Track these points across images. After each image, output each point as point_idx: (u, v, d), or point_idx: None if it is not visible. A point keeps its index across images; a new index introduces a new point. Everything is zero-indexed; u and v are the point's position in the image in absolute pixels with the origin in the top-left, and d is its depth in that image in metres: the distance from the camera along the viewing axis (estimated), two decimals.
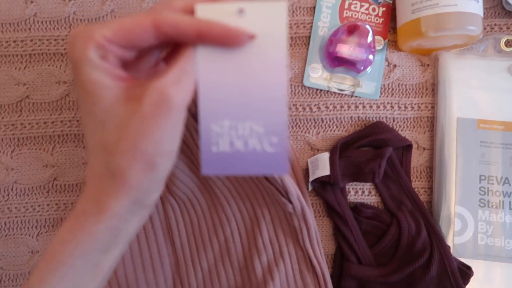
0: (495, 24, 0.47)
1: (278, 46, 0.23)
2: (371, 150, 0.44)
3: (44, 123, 0.45)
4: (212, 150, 0.25)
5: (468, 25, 0.42)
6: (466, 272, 0.41)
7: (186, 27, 0.23)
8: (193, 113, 0.36)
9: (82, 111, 0.25)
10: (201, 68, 0.24)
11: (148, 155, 0.23)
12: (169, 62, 0.26)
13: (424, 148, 0.46)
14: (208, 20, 0.23)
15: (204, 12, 0.23)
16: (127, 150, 0.23)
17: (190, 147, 0.39)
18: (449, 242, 0.43)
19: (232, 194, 0.42)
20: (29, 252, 0.44)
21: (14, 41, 0.45)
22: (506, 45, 0.46)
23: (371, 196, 0.45)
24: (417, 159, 0.46)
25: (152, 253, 0.42)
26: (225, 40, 0.23)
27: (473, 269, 0.42)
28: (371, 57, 0.45)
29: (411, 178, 0.46)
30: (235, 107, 0.24)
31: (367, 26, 0.45)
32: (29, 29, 0.45)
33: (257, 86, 0.24)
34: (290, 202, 0.40)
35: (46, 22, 0.45)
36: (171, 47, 0.29)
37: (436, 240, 0.42)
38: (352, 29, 0.45)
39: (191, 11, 0.24)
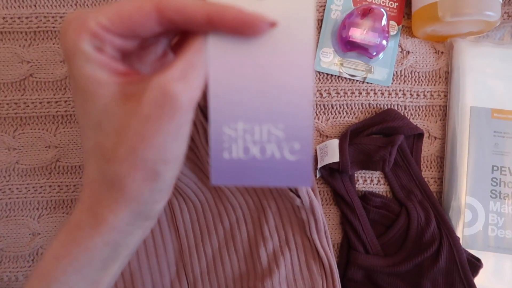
0: (511, 12, 0.46)
1: (303, 36, 0.19)
2: (382, 137, 0.43)
3: (48, 102, 0.44)
4: (223, 156, 0.21)
5: (487, 10, 0.41)
6: (475, 264, 0.41)
7: (194, 12, 0.19)
8: (200, 106, 0.34)
9: (77, 110, 0.22)
10: (212, 61, 0.20)
11: (149, 162, 0.20)
12: (177, 53, 0.22)
13: (435, 137, 0.45)
14: (221, 3, 0.20)
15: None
16: (125, 157, 0.20)
17: (193, 139, 0.38)
18: (459, 233, 0.42)
19: (238, 188, 0.41)
20: (30, 234, 0.43)
21: (19, 18, 0.44)
22: None
23: (380, 185, 0.44)
24: (428, 148, 0.45)
25: (156, 240, 0.41)
26: (241, 27, 0.19)
27: (483, 261, 0.41)
28: (384, 42, 0.44)
29: (421, 168, 0.45)
30: (251, 108, 0.20)
31: (382, 9, 0.43)
32: (34, 5, 0.44)
33: (277, 83, 0.20)
34: (299, 196, 0.39)
35: None
36: (179, 35, 0.25)
37: (446, 231, 0.41)
38: (366, 12, 0.43)
39: None
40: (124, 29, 0.20)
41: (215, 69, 0.20)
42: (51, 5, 0.44)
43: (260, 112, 0.20)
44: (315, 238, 0.41)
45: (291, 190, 0.39)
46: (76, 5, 0.44)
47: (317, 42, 0.45)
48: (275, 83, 0.20)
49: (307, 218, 0.40)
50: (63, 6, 0.44)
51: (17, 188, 0.44)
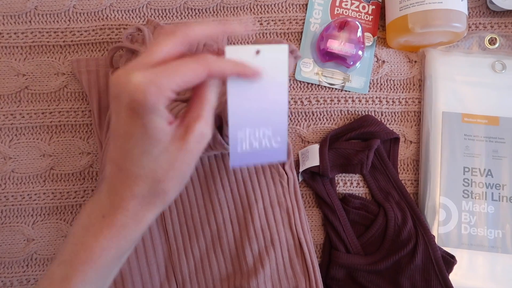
0: (479, 23, 0.49)
1: (282, 75, 0.32)
2: (360, 142, 0.46)
3: (43, 113, 0.46)
4: (238, 150, 0.32)
5: (453, 22, 0.44)
6: (449, 261, 0.43)
7: (231, 73, 0.29)
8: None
9: (132, 146, 0.28)
10: (230, 93, 0.30)
11: (186, 178, 0.31)
12: (191, 101, 0.30)
13: (411, 142, 0.48)
14: (242, 64, 0.29)
15: (231, 53, 0.30)
16: (174, 178, 0.29)
17: None
18: (434, 231, 0.44)
19: (229, 178, 0.44)
20: (24, 240, 0.45)
21: (15, 33, 0.46)
22: (490, 43, 0.48)
23: (360, 187, 0.47)
24: (404, 152, 0.48)
25: (146, 242, 0.43)
26: (251, 76, 0.30)
27: (457, 258, 0.43)
28: (360, 52, 0.47)
29: (398, 170, 0.47)
30: (253, 119, 0.32)
31: (357, 22, 0.46)
32: (30, 21, 0.47)
33: (267, 104, 0.32)
34: (286, 173, 0.43)
35: (46, 15, 0.47)
36: None
37: (421, 229, 0.43)
38: (343, 25, 0.46)
39: (221, 53, 0.29)
40: (183, 90, 0.28)
41: (232, 98, 0.31)
42: (45, 21, 0.47)
43: (258, 121, 0.32)
44: (299, 231, 0.43)
45: (283, 169, 0.44)
46: (69, 20, 0.47)
47: None
48: (266, 104, 0.32)
49: (291, 206, 0.43)
50: (57, 22, 0.47)
51: (12, 196, 0.45)
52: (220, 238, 0.44)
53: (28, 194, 0.46)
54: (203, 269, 0.44)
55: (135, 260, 0.43)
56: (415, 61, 0.49)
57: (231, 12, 0.49)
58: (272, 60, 0.31)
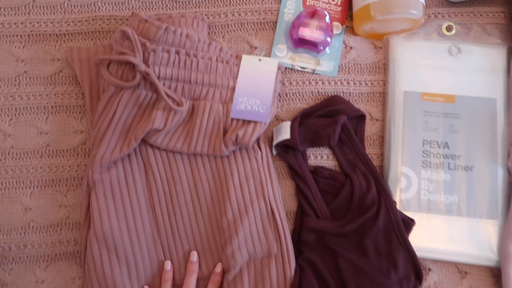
0: (438, 13, 0.54)
1: (271, 75, 0.50)
2: (328, 118, 0.50)
3: (40, 95, 0.51)
4: (237, 108, 0.48)
5: (411, 9, 0.48)
6: (409, 223, 0.47)
7: None
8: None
9: None
10: (240, 76, 0.49)
11: None
12: None
13: (376, 119, 0.52)
14: None
15: (245, 58, 0.50)
16: None
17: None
18: (396, 198, 0.48)
19: (209, 156, 0.48)
20: (22, 209, 0.49)
21: (15, 23, 0.51)
22: (447, 30, 0.53)
23: (329, 160, 0.51)
24: (371, 129, 0.52)
25: (136, 219, 0.47)
26: None
27: (417, 221, 0.47)
28: (328, 39, 0.51)
29: (365, 145, 0.52)
30: (250, 93, 0.48)
31: (325, 11, 0.51)
32: (28, 13, 0.51)
33: (260, 87, 0.49)
34: (260, 149, 0.48)
35: (43, 7, 0.52)
36: None
37: (384, 196, 0.48)
38: (312, 14, 0.51)
39: None
40: None
41: (240, 79, 0.49)
42: (43, 12, 0.52)
43: (253, 95, 0.48)
44: (272, 200, 0.47)
45: (258, 145, 0.49)
46: (64, 12, 0.52)
47: (273, 40, 0.53)
48: (259, 87, 0.49)
49: (264, 179, 0.47)
50: (53, 13, 0.52)
51: (11, 170, 0.50)
52: (202, 211, 0.48)
53: (26, 168, 0.50)
54: (187, 240, 0.47)
55: (126, 234, 0.46)
56: (380, 47, 0.54)
57: (211, 3, 0.54)
58: (268, 66, 0.50)
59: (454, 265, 0.48)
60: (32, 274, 0.48)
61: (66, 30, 0.52)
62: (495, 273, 0.48)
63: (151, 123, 0.46)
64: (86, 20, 0.52)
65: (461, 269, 0.48)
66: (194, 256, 0.47)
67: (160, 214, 0.47)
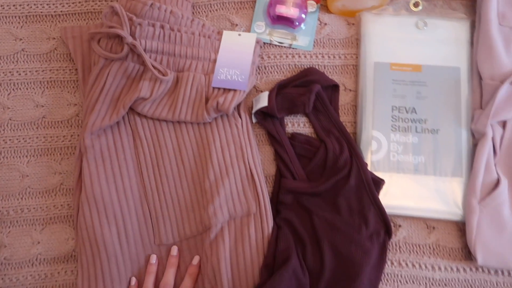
0: None
1: (250, 47, 0.54)
2: (303, 88, 0.54)
3: (36, 71, 0.55)
4: (218, 78, 0.52)
5: None
6: (379, 182, 0.50)
7: None
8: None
9: None
10: (221, 49, 0.53)
11: None
12: None
13: (350, 90, 0.56)
14: None
15: (226, 34, 0.54)
16: None
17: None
18: (368, 160, 0.52)
19: (192, 123, 0.52)
20: (20, 176, 0.53)
21: (14, 5, 0.56)
22: (414, 6, 0.57)
23: (306, 128, 0.55)
24: (344, 99, 0.56)
25: (124, 183, 0.50)
26: None
27: (388, 180, 0.51)
28: (303, 15, 0.55)
29: (340, 114, 0.55)
30: (230, 64, 0.52)
31: None
32: None
33: (240, 59, 0.53)
34: (240, 117, 0.52)
35: None
36: None
37: (356, 158, 0.51)
38: None
39: None
40: None
41: (221, 51, 0.53)
42: None
43: (233, 65, 0.52)
44: (251, 163, 0.50)
45: (238, 113, 0.52)
46: None
47: (252, 18, 0.57)
48: (239, 59, 0.53)
49: (244, 143, 0.50)
50: None
51: (10, 140, 0.54)
52: (186, 174, 0.51)
53: (23, 138, 0.54)
54: (173, 203, 0.51)
55: (115, 196, 0.49)
56: (353, 24, 0.58)
57: None
58: (247, 40, 0.54)
59: (422, 221, 0.51)
60: (29, 236, 0.51)
61: (61, 11, 0.56)
62: (461, 227, 0.51)
63: (138, 91, 0.49)
64: (79, 2, 0.56)
65: (429, 225, 0.51)
66: (174, 250, 0.50)
67: (147, 177, 0.51)
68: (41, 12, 0.56)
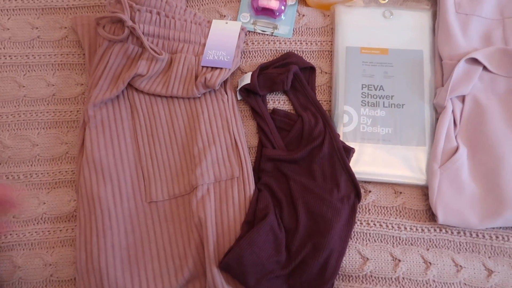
0: None
1: (235, 32, 0.61)
2: (282, 68, 0.60)
3: (49, 55, 0.63)
4: (207, 58, 0.58)
5: None
6: (349, 149, 0.56)
7: None
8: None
9: None
10: (210, 34, 0.61)
11: None
12: None
13: (326, 72, 0.62)
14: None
15: (215, 23, 0.62)
16: None
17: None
18: (340, 131, 0.58)
19: (183, 98, 0.58)
20: (31, 146, 0.60)
21: (32, 1, 0.64)
22: None
23: (285, 105, 0.61)
24: (321, 80, 0.62)
25: (121, 148, 0.57)
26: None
27: (358, 149, 0.56)
28: (283, 7, 0.63)
29: (316, 93, 0.61)
30: (217, 46, 0.59)
31: None
32: None
33: (226, 42, 0.60)
34: (226, 93, 0.58)
35: None
36: None
37: (329, 129, 0.57)
38: None
39: None
40: None
41: (210, 37, 0.61)
42: None
43: (219, 47, 0.60)
44: (236, 133, 0.56)
45: (225, 90, 0.59)
46: None
47: (238, 10, 0.64)
48: (225, 42, 0.60)
49: (230, 117, 0.56)
50: None
51: (23, 113, 0.61)
52: (177, 142, 0.58)
53: (35, 113, 0.61)
54: (164, 167, 0.57)
55: (112, 159, 0.55)
56: (328, 15, 0.65)
57: None
58: (233, 27, 0.61)
59: (391, 187, 0.56)
60: (36, 198, 0.57)
61: (72, 5, 0.64)
62: (425, 192, 0.55)
63: (136, 69, 0.56)
64: None
65: (396, 190, 0.56)
66: None
67: (142, 144, 0.57)
68: (55, 5, 0.64)
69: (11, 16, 0.64)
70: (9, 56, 0.62)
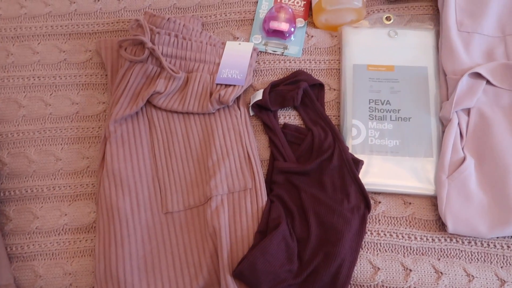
0: (380, 8, 0.69)
1: (248, 52, 0.65)
2: (292, 85, 0.63)
3: (74, 76, 0.67)
4: (221, 76, 0.62)
5: (353, 1, 0.64)
6: (358, 161, 0.57)
7: None
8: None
9: None
10: (224, 55, 0.65)
11: None
12: None
13: (334, 89, 0.65)
14: None
15: (229, 44, 0.66)
16: None
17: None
18: (349, 144, 0.60)
19: (198, 114, 0.62)
20: (55, 160, 0.63)
21: (61, 26, 0.69)
22: (386, 20, 0.67)
23: (296, 120, 0.63)
24: (329, 96, 0.65)
25: (139, 162, 0.60)
26: None
27: (367, 161, 0.58)
28: (292, 29, 0.67)
29: (325, 109, 0.64)
30: (231, 65, 0.63)
31: (289, 7, 0.67)
32: (71, 19, 0.70)
33: (239, 62, 0.64)
34: (239, 109, 0.61)
35: (82, 14, 0.70)
36: None
37: (338, 142, 0.59)
38: (279, 9, 0.67)
39: None
40: None
41: (224, 57, 0.65)
42: (81, 18, 0.70)
43: (233, 67, 0.63)
44: (248, 146, 0.59)
45: (238, 106, 0.62)
46: (97, 17, 0.70)
47: (250, 32, 0.69)
48: (238, 62, 0.64)
49: (243, 130, 0.59)
50: (89, 18, 0.70)
51: (49, 130, 0.64)
52: (192, 156, 0.60)
53: (60, 129, 0.64)
54: (180, 179, 0.59)
55: (131, 172, 0.58)
56: (335, 36, 0.68)
57: (205, 9, 0.71)
58: (246, 47, 0.65)
59: (400, 198, 0.57)
60: (58, 210, 0.60)
61: (97, 30, 0.70)
62: (434, 202, 0.56)
63: (155, 87, 0.60)
64: (112, 23, 0.70)
65: (405, 201, 0.57)
66: None
67: (159, 158, 0.60)
68: (81, 30, 0.69)
69: (41, 41, 0.69)
70: (38, 77, 0.67)
